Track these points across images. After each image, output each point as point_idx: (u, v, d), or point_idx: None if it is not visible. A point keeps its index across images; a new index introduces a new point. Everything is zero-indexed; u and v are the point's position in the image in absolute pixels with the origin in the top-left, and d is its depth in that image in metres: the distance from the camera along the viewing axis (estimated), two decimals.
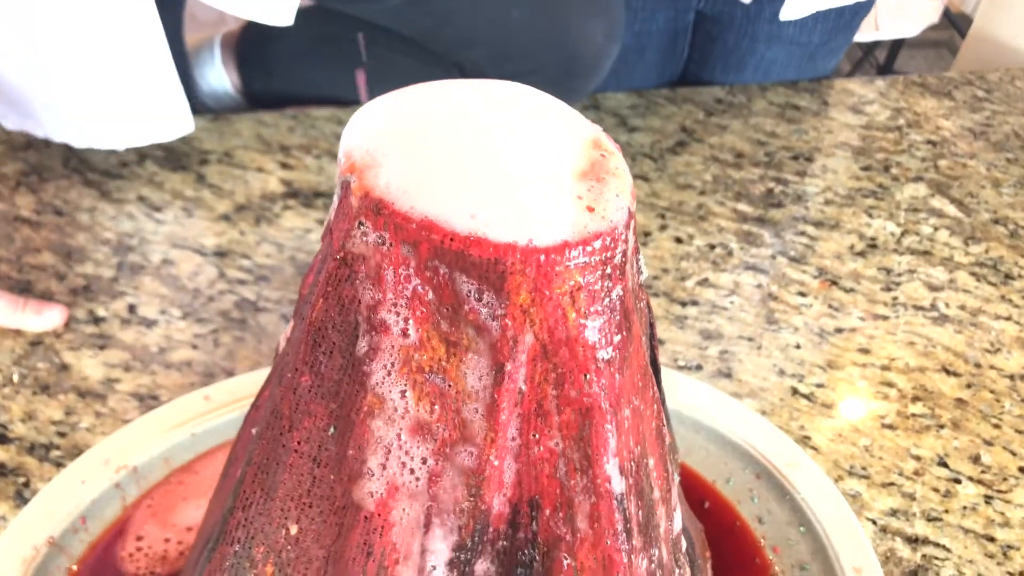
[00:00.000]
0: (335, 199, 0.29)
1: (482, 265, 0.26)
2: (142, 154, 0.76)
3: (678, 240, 0.74)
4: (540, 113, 0.29)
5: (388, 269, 0.27)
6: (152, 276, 0.66)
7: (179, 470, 0.53)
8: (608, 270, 0.27)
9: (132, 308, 0.64)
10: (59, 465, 0.55)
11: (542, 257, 0.26)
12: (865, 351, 0.66)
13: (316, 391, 0.30)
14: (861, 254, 0.74)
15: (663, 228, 0.75)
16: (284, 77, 0.87)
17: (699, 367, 0.64)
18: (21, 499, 0.53)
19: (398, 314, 0.28)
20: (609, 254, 0.27)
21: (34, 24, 0.64)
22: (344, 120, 0.81)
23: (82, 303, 0.63)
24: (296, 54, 0.84)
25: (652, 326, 0.36)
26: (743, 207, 0.78)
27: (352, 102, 0.85)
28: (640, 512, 0.32)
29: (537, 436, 0.29)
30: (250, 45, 0.86)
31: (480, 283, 0.26)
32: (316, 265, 0.31)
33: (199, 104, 0.88)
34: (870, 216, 0.78)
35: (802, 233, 0.76)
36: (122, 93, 0.69)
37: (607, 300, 0.27)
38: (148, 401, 0.58)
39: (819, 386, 0.64)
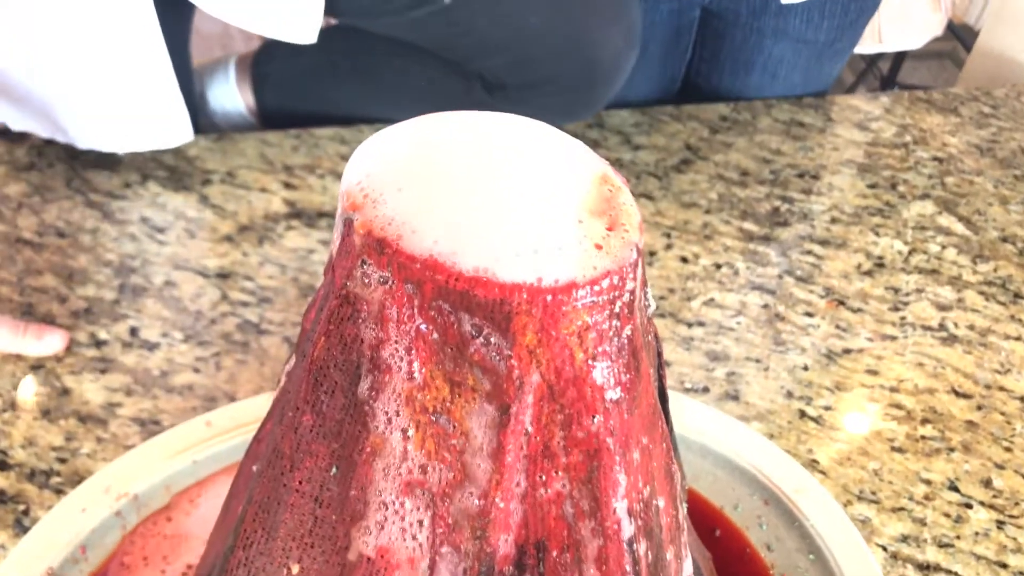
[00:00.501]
0: (337, 234, 0.28)
1: (487, 305, 0.25)
2: (145, 175, 0.75)
3: (683, 259, 0.73)
4: (547, 147, 0.29)
5: (391, 308, 0.27)
6: (154, 298, 0.65)
7: (180, 495, 0.52)
8: (616, 309, 0.26)
9: (134, 331, 0.63)
10: (59, 492, 0.54)
11: (549, 297, 0.25)
12: (873, 372, 0.66)
13: (318, 431, 0.30)
14: (868, 273, 0.74)
15: (668, 247, 0.74)
16: (300, 98, 0.87)
17: (706, 389, 0.63)
18: (21, 527, 0.53)
19: (402, 354, 0.27)
20: (617, 293, 0.26)
21: (38, 25, 0.64)
22: (348, 139, 0.81)
23: (83, 326, 0.63)
24: (313, 74, 0.84)
25: (660, 355, 0.35)
26: (749, 226, 0.77)
27: (365, 120, 0.85)
28: (649, 554, 0.31)
29: (544, 478, 0.28)
30: (266, 66, 0.86)
31: (486, 323, 0.26)
32: (318, 300, 0.30)
33: (208, 124, 0.88)
34: (877, 234, 0.78)
35: (808, 252, 0.75)
36: (122, 95, 0.69)
37: (615, 340, 0.27)
38: (150, 426, 0.58)
39: (827, 408, 0.63)
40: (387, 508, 0.29)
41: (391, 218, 0.26)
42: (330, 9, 0.68)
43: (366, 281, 0.27)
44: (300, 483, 0.31)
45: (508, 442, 0.27)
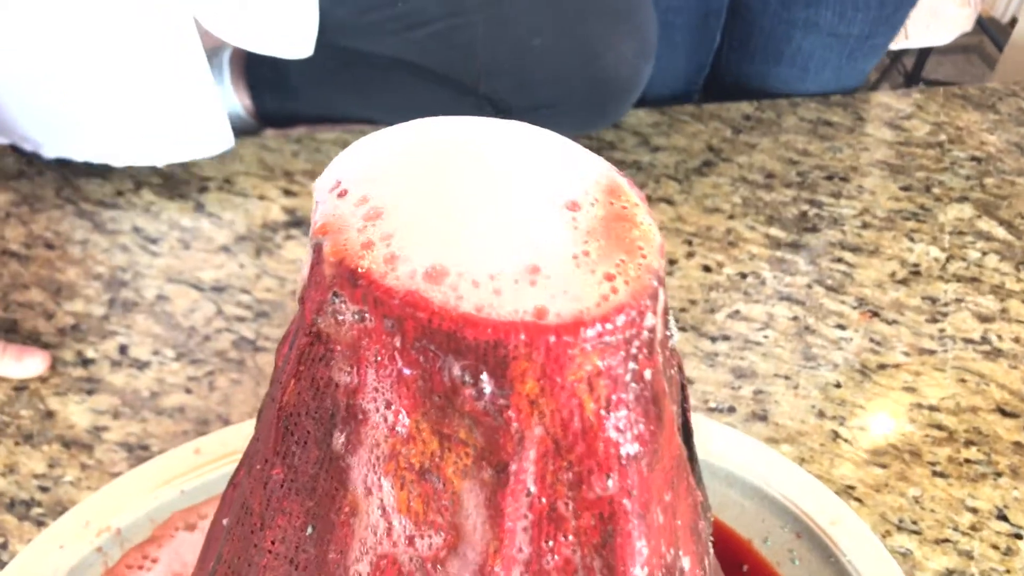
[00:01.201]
0: (307, 261, 0.24)
1: (479, 349, 0.21)
2: (138, 182, 0.72)
3: (706, 268, 0.69)
4: (549, 160, 0.25)
5: (369, 349, 0.23)
6: (145, 314, 0.62)
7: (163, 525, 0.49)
8: (633, 350, 0.22)
9: (123, 349, 0.60)
10: (40, 524, 0.51)
11: (552, 338, 0.21)
12: (911, 389, 0.61)
13: (290, 486, 0.26)
14: (903, 282, 0.69)
15: (690, 255, 0.70)
16: (299, 99, 0.83)
17: (731, 409, 0.59)
18: None
19: (382, 402, 0.23)
20: (635, 331, 0.22)
21: (73, 43, 0.62)
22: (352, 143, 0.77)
23: (70, 343, 0.60)
24: (311, 78, 0.80)
25: (684, 389, 0.31)
26: (775, 232, 0.73)
27: (370, 122, 0.81)
28: None
29: (551, 544, 0.24)
30: (261, 66, 0.82)
31: (478, 369, 0.22)
32: (290, 335, 0.26)
33: None
34: (912, 240, 0.73)
35: (839, 260, 0.71)
36: (162, 109, 0.68)
37: (633, 386, 0.23)
38: (137, 451, 0.54)
39: (862, 429, 0.59)
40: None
41: (366, 244, 0.22)
42: (326, 29, 0.65)
43: (339, 317, 0.23)
44: (273, 543, 0.27)
45: (507, 504, 0.23)
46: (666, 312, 0.27)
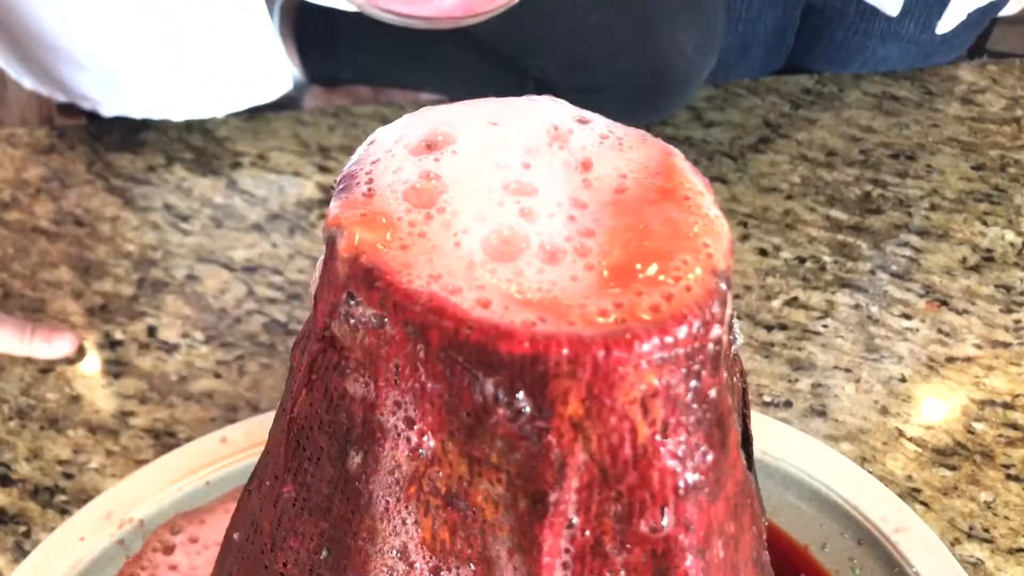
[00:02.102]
0: (321, 257, 0.21)
1: (514, 364, 0.18)
2: (170, 157, 0.70)
3: (762, 252, 0.65)
4: (594, 141, 0.22)
5: (388, 359, 0.20)
6: (175, 294, 0.60)
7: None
8: (696, 366, 0.19)
9: (152, 331, 0.58)
10: (63, 512, 0.49)
11: (600, 353, 0.18)
12: (983, 385, 0.57)
13: (303, 506, 0.23)
14: (975, 269, 0.65)
15: (745, 238, 0.66)
16: (344, 57, 0.81)
17: (788, 404, 0.56)
18: (20, 551, 0.48)
19: (403, 419, 0.20)
20: (699, 344, 0.19)
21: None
22: (390, 119, 0.74)
23: (98, 325, 0.58)
24: (358, 36, 0.78)
25: (745, 393, 0.28)
26: (836, 214, 0.69)
27: (410, 87, 0.79)
28: None
29: None
30: (311, 19, 0.80)
31: (513, 387, 0.19)
32: (303, 338, 0.23)
33: None
34: (985, 224, 0.69)
35: (905, 244, 0.67)
36: (219, 54, 0.67)
37: (695, 407, 0.19)
38: (164, 438, 0.52)
39: (929, 428, 0.55)
40: None
41: (386, 239, 0.19)
42: None
43: (353, 322, 0.20)
44: (284, 565, 0.24)
45: (545, 538, 0.20)
46: (732, 316, 0.23)
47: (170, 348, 0.57)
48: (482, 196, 0.21)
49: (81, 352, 0.56)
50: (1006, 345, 0.60)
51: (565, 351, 0.18)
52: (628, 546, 0.21)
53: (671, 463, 0.19)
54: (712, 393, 0.20)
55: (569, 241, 0.20)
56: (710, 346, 0.19)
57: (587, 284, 0.19)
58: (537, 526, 0.20)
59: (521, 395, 0.19)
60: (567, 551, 0.21)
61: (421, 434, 0.20)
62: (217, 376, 0.56)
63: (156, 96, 0.69)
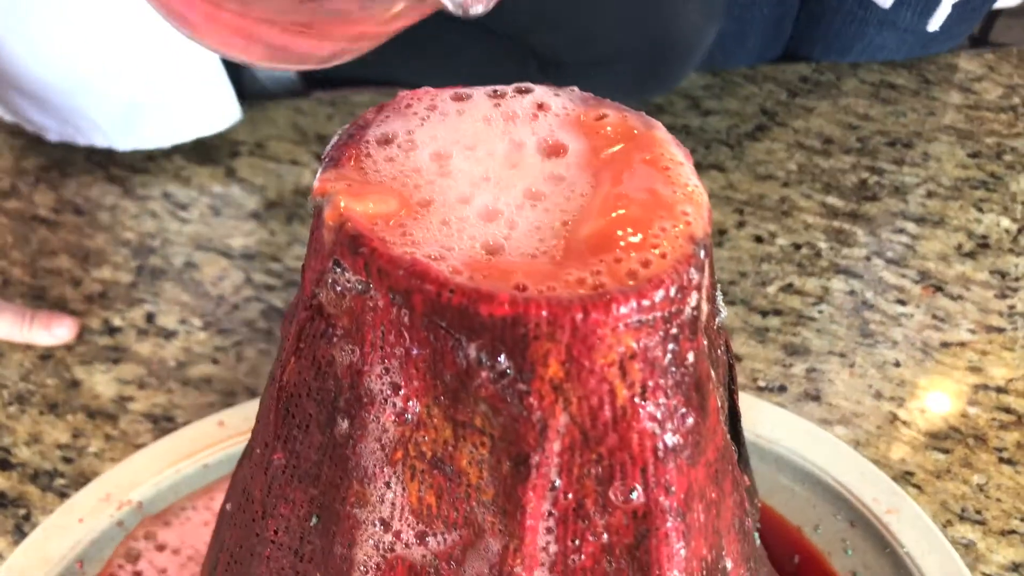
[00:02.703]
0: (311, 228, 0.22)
1: (495, 327, 0.18)
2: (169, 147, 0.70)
3: (758, 239, 0.66)
4: (575, 116, 0.22)
5: (373, 326, 0.20)
6: (173, 281, 0.60)
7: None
8: (674, 329, 0.19)
9: (150, 317, 0.58)
10: (63, 495, 0.50)
11: (579, 316, 0.18)
12: (977, 370, 0.57)
13: (292, 473, 0.23)
14: (970, 255, 0.65)
15: (741, 225, 0.67)
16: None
17: (782, 388, 0.56)
18: (20, 534, 0.48)
19: (388, 384, 0.21)
20: (676, 308, 0.19)
21: (70, 20, 0.60)
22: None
23: (97, 311, 0.58)
24: None
25: (732, 367, 0.28)
26: (832, 200, 0.69)
27: (411, 85, 0.79)
28: None
29: (578, 543, 0.21)
30: None
31: (494, 350, 0.19)
32: (291, 308, 0.24)
33: (255, 86, 0.82)
34: (980, 211, 0.69)
35: (901, 231, 0.67)
36: (164, 84, 0.65)
37: (673, 370, 0.20)
38: (162, 423, 0.53)
39: (922, 412, 0.55)
40: (380, 573, 0.23)
41: (370, 207, 0.20)
42: None
43: (339, 289, 0.20)
44: (276, 533, 0.25)
45: (528, 500, 0.21)
46: (713, 287, 0.24)
47: (168, 334, 0.57)
48: (465, 168, 0.21)
49: (79, 338, 0.57)
50: (1000, 330, 0.60)
51: (544, 313, 0.18)
52: (609, 508, 0.21)
53: (650, 425, 0.20)
54: (690, 357, 0.20)
55: (549, 212, 0.20)
56: (687, 311, 0.19)
57: (567, 251, 0.20)
58: (520, 488, 0.21)
59: (502, 358, 0.19)
60: (550, 514, 0.21)
61: (406, 399, 0.21)
62: (215, 362, 0.56)
63: (97, 126, 0.67)
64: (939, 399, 0.56)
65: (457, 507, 0.22)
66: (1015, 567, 0.48)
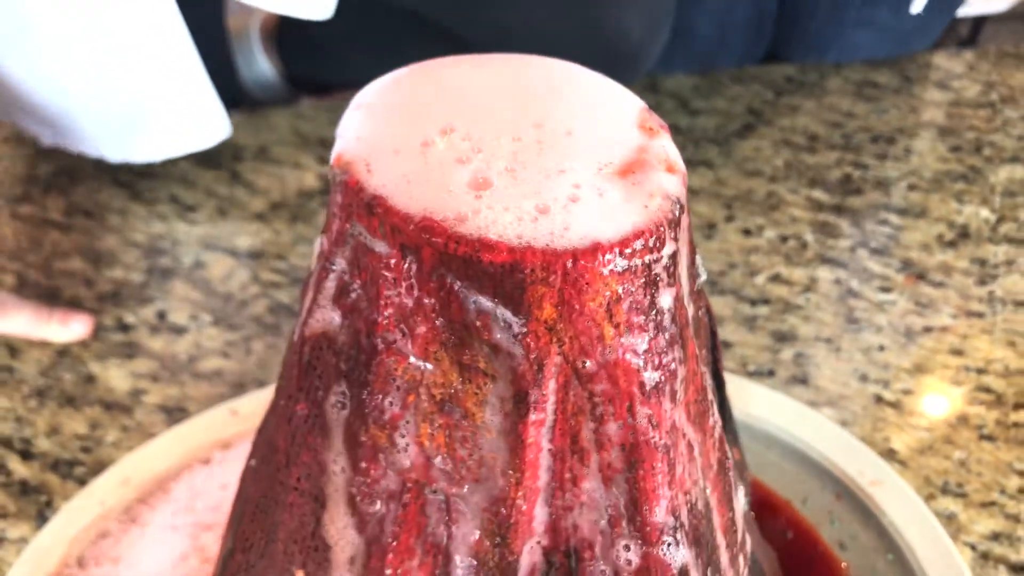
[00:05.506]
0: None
1: (495, 274, 0.21)
2: None
3: (746, 232, 0.68)
4: (569, 87, 0.24)
5: (387, 280, 0.22)
6: (183, 280, 0.63)
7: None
8: (654, 276, 0.22)
9: (162, 314, 0.60)
10: (82, 482, 0.52)
11: (569, 263, 0.21)
12: (958, 352, 0.59)
13: (314, 421, 0.26)
14: (951, 244, 0.67)
15: (730, 219, 0.69)
16: (328, 63, 0.83)
17: (771, 373, 0.58)
18: (43, 519, 0.50)
19: (401, 333, 0.23)
20: (654, 256, 0.21)
21: (62, 37, 0.61)
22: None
23: (110, 309, 0.60)
24: (337, 41, 0.80)
25: (714, 333, 0.31)
26: (818, 195, 0.71)
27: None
28: (699, 561, 0.26)
29: (573, 476, 0.24)
30: (289, 32, 0.82)
31: (494, 296, 0.21)
32: (309, 276, 0.26)
33: (245, 95, 0.85)
34: (960, 202, 0.71)
35: (884, 222, 0.69)
36: (153, 102, 0.65)
37: (654, 313, 0.22)
38: (176, 414, 0.55)
39: (906, 392, 0.57)
40: (394, 510, 0.25)
41: (384, 173, 0.22)
42: None
43: (357, 247, 0.22)
44: (298, 480, 0.27)
45: (528, 435, 0.23)
46: (693, 251, 0.26)
47: (179, 330, 0.60)
48: (477, 133, 0.23)
49: (93, 335, 0.59)
50: (980, 315, 0.62)
51: (539, 261, 0.21)
52: (601, 441, 0.23)
53: (635, 362, 0.22)
54: (668, 301, 0.22)
55: (545, 174, 0.23)
56: (665, 259, 0.22)
57: (561, 207, 0.22)
58: (521, 425, 0.23)
59: (502, 302, 0.21)
60: (549, 450, 0.23)
61: (418, 346, 0.23)
62: (225, 356, 0.58)
63: (87, 135, 0.68)
64: (922, 381, 0.58)
65: (465, 445, 0.24)
66: (995, 536, 0.50)
